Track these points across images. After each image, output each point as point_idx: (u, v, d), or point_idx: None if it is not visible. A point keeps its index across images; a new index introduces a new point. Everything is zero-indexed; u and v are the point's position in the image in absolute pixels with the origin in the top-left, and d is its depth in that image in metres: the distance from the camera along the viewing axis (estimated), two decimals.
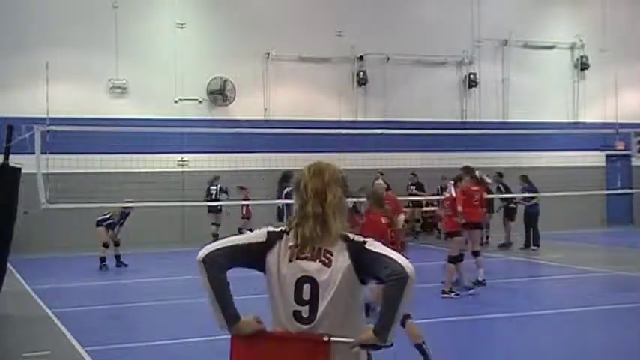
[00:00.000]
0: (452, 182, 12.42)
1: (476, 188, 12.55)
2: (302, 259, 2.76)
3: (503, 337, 9.05)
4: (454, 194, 12.07)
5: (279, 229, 2.87)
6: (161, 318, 10.45)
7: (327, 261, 2.74)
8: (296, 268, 2.76)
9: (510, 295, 11.99)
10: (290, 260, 2.77)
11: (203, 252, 2.81)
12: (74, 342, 8.55)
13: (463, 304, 10.86)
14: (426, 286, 12.02)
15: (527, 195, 17.69)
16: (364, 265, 2.73)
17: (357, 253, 2.74)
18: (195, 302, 11.42)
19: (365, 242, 2.76)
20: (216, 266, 2.79)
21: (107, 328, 9.78)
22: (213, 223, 20.04)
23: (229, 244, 2.84)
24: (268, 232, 2.86)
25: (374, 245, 2.75)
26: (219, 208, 19.18)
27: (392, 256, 2.69)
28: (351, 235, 2.81)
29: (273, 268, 2.78)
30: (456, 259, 11.52)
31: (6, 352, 8.60)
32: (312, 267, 2.74)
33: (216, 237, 19.75)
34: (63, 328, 9.32)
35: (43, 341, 8.76)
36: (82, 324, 9.68)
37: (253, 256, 2.82)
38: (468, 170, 12.76)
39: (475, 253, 12.26)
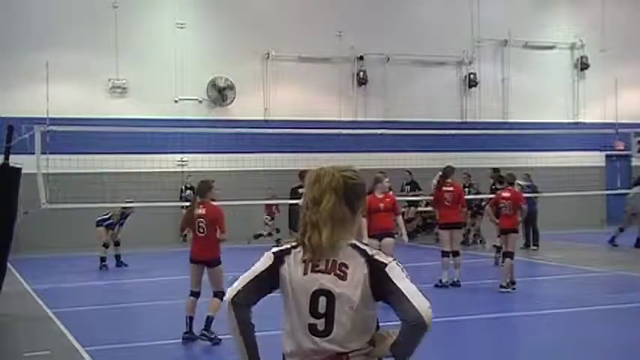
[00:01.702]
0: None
1: (449, 189, 12.57)
2: (317, 272, 2.73)
3: (503, 337, 9.05)
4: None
5: (285, 247, 2.84)
6: (161, 318, 10.45)
7: (342, 274, 2.70)
8: (311, 282, 2.72)
9: (510, 295, 11.97)
10: (305, 273, 2.74)
11: (231, 292, 2.82)
12: (74, 342, 8.55)
13: (463, 304, 10.86)
14: (425, 286, 12.02)
15: (527, 195, 17.60)
16: (380, 290, 2.69)
17: (377, 274, 2.68)
18: None
19: (385, 265, 2.70)
20: (244, 306, 2.81)
21: (107, 328, 9.77)
22: None
23: (251, 276, 2.82)
24: (274, 253, 2.84)
25: (393, 272, 2.68)
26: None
27: (410, 297, 2.64)
28: (369, 251, 2.75)
29: (286, 282, 2.77)
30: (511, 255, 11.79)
31: (6, 352, 8.60)
32: (327, 280, 2.71)
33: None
34: (63, 328, 9.32)
35: (43, 341, 8.76)
36: (82, 324, 9.68)
37: (274, 280, 2.80)
38: (449, 171, 12.81)
39: (455, 253, 12.30)
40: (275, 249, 2.86)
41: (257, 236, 18.36)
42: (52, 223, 17.73)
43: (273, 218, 18.86)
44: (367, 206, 10.25)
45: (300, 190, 14.64)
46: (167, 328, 9.64)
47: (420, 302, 2.64)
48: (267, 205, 18.51)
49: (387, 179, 11.13)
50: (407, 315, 2.63)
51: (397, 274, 2.69)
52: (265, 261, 2.82)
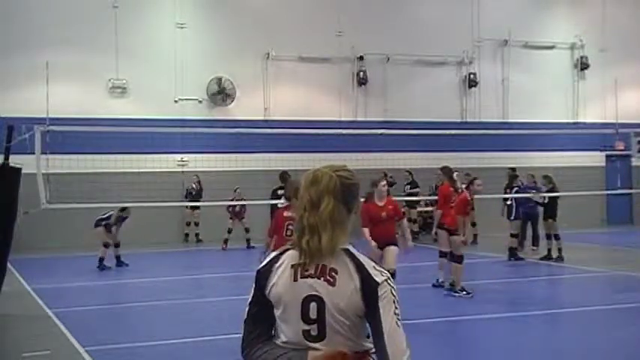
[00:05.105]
0: None
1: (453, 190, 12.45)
2: (306, 277, 2.68)
3: (503, 337, 9.05)
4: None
5: (273, 256, 2.80)
6: (161, 318, 10.45)
7: (331, 280, 2.66)
8: (302, 287, 2.68)
9: (510, 295, 11.99)
10: (295, 279, 2.69)
11: (241, 346, 2.80)
12: (74, 342, 8.55)
13: (463, 304, 10.85)
14: (425, 286, 12.04)
15: (525, 195, 17.58)
16: (367, 305, 2.63)
17: (368, 291, 2.63)
18: (195, 302, 11.47)
19: (377, 284, 2.63)
20: (258, 348, 2.76)
21: (107, 328, 9.77)
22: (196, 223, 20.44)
23: (245, 317, 2.80)
24: (258, 271, 2.80)
25: (383, 300, 2.62)
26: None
27: (387, 343, 2.58)
28: (364, 262, 2.69)
29: (275, 290, 2.72)
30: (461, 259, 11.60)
31: (6, 352, 8.60)
32: (317, 285, 2.66)
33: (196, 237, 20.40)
34: (63, 328, 9.32)
35: (43, 341, 8.76)
36: (82, 324, 9.68)
37: (268, 301, 2.75)
38: (446, 171, 12.65)
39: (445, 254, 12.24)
40: (261, 265, 2.80)
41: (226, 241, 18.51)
42: (52, 223, 17.74)
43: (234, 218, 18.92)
44: (368, 216, 9.56)
45: (280, 192, 14.54)
46: (167, 328, 9.65)
47: (395, 352, 2.58)
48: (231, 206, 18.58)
49: (383, 182, 10.09)
50: (380, 356, 2.61)
51: (386, 302, 2.62)
52: (253, 288, 2.78)
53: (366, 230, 9.50)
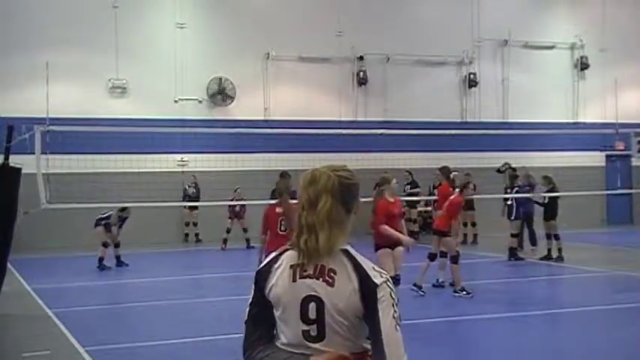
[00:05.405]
0: None
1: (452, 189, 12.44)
2: (305, 277, 2.67)
3: (503, 337, 9.05)
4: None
5: (272, 257, 2.79)
6: (161, 318, 10.45)
7: (330, 280, 2.65)
8: (301, 288, 2.67)
9: (510, 295, 11.99)
10: (294, 280, 2.68)
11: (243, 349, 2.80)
12: (74, 342, 8.55)
13: (463, 304, 10.86)
14: (426, 286, 12.03)
15: (522, 195, 17.55)
16: (366, 307, 2.62)
17: (366, 292, 2.61)
18: (195, 302, 11.47)
19: (377, 285, 2.61)
20: (256, 353, 2.75)
21: (107, 328, 9.77)
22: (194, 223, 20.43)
23: (245, 318, 2.79)
24: (257, 273, 2.79)
25: (382, 302, 2.60)
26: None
27: (386, 344, 2.57)
28: (362, 263, 2.67)
29: (274, 291, 2.71)
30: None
31: (6, 351, 8.61)
32: (315, 286, 2.65)
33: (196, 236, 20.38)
34: (63, 328, 9.32)
35: (43, 341, 8.76)
36: (82, 324, 9.68)
37: (268, 302, 2.74)
38: (445, 171, 12.58)
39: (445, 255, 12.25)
40: (260, 265, 2.80)
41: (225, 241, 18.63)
42: (52, 223, 17.74)
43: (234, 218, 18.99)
44: (383, 213, 9.50)
45: None
46: (167, 328, 9.65)
47: (392, 356, 2.57)
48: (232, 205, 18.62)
49: (395, 180, 10.04)
50: (375, 352, 2.60)
51: (385, 305, 2.61)
52: (253, 289, 2.78)
53: (387, 227, 9.39)
